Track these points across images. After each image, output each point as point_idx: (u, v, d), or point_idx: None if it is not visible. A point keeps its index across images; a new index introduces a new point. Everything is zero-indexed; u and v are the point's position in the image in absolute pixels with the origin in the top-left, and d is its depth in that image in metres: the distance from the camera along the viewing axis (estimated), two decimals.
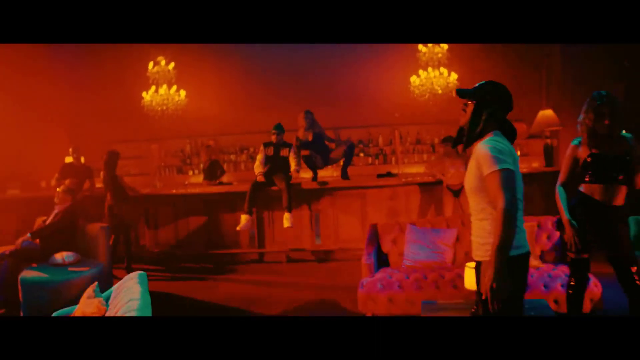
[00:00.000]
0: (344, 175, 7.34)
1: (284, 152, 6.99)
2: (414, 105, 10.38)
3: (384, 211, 7.19)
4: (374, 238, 4.86)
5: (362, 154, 10.80)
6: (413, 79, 9.91)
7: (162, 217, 7.66)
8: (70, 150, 7.97)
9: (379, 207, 7.20)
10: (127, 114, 10.54)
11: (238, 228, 6.61)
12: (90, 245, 5.94)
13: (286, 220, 6.55)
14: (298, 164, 6.95)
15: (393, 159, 10.97)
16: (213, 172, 8.78)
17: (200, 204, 7.44)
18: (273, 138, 7.03)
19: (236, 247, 7.31)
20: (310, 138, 7.20)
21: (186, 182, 8.61)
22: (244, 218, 6.61)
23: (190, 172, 11.04)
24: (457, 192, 7.00)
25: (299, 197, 7.10)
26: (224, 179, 8.76)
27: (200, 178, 10.64)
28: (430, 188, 7.18)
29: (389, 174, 8.10)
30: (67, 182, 7.62)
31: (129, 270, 6.90)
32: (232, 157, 11.16)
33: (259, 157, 7.05)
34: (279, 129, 7.07)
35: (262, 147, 7.12)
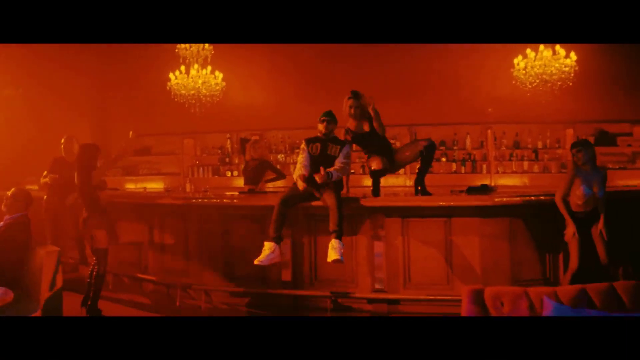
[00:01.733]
0: (421, 188, 5.07)
1: (333, 150, 4.82)
2: (514, 98, 8.12)
3: (479, 244, 4.84)
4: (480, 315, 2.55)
5: (444, 159, 8.46)
6: (517, 60, 7.44)
7: (169, 234, 5.67)
8: (62, 140, 6.18)
9: (472, 238, 4.85)
10: (158, 103, 8.81)
11: (257, 261, 4.45)
12: (35, 279, 3.99)
13: (333, 250, 4.34)
14: (343, 170, 4.76)
15: (484, 166, 8.56)
16: (258, 175, 6.75)
17: (218, 220, 5.35)
18: (321, 128, 4.86)
19: (262, 284, 5.16)
20: (366, 128, 5.09)
21: (205, 188, 6.57)
22: (267, 247, 4.48)
23: (229, 174, 9.15)
24: (588, 221, 4.62)
25: (354, 218, 4.88)
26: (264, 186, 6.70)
27: (241, 181, 8.75)
28: (550, 212, 4.77)
29: (484, 188, 5.71)
30: (47, 178, 5.92)
31: (93, 310, 4.93)
32: (281, 157, 9.13)
33: (301, 159, 4.88)
34: (330, 115, 4.88)
35: (303, 145, 4.96)
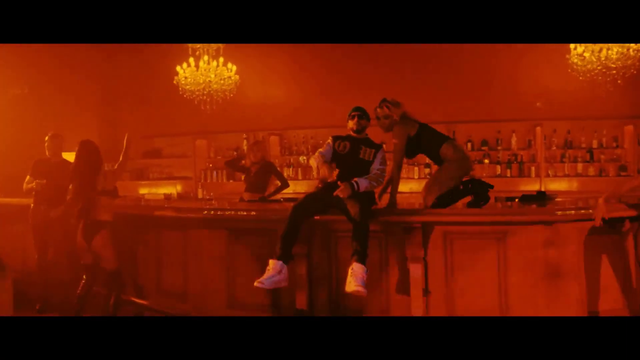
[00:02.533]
0: (483, 202, 4.16)
1: (366, 154, 3.96)
2: (565, 90, 7.29)
3: (542, 268, 3.86)
4: None
5: (486, 161, 7.48)
6: (574, 44, 6.41)
7: (166, 251, 4.83)
8: (47, 138, 5.42)
9: (533, 261, 3.87)
10: (168, 101, 8.10)
11: (257, 283, 3.51)
12: None
13: (352, 278, 3.42)
14: (377, 178, 3.92)
15: (532, 168, 7.51)
16: (263, 180, 5.93)
17: (221, 235, 4.47)
18: (351, 125, 4.06)
19: (272, 312, 4.26)
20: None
21: (210, 195, 5.69)
22: (271, 266, 3.57)
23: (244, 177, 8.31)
24: None
25: (386, 234, 3.95)
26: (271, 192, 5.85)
27: None
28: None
29: (541, 196, 4.74)
30: (33, 184, 5.20)
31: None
32: (302, 159, 8.26)
33: (321, 150, 4.02)
34: (362, 110, 4.08)
35: (329, 140, 4.12)
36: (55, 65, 8.05)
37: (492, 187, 4.14)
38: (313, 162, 3.91)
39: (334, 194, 3.68)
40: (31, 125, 7.56)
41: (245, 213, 4.27)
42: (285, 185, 5.92)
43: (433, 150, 4.18)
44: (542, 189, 7.29)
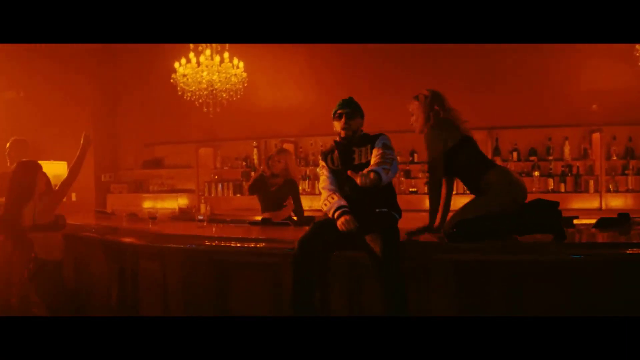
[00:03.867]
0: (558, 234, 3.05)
1: (362, 155, 2.99)
2: (628, 89, 6.26)
3: None
4: None
5: (536, 173, 6.41)
6: None
7: (144, 284, 3.86)
8: (8, 145, 4.57)
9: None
10: (170, 105, 7.27)
11: None
12: None
13: None
14: (387, 160, 2.80)
15: (590, 182, 6.39)
16: (283, 199, 4.90)
17: (209, 268, 3.48)
18: (337, 127, 3.07)
19: None
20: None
21: (200, 216, 4.66)
22: None
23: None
24: None
25: (427, 271, 2.92)
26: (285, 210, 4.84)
27: None
28: None
29: (625, 219, 3.66)
30: None
31: None
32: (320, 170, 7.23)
33: (324, 182, 3.08)
34: (350, 106, 3.08)
35: (320, 161, 3.16)
36: (51, 67, 7.46)
37: (557, 203, 3.06)
38: (326, 208, 2.93)
39: (359, 182, 2.64)
40: (27, 131, 6.84)
41: (234, 245, 3.27)
42: (300, 213, 4.86)
43: (472, 177, 3.12)
44: (603, 207, 6.19)
